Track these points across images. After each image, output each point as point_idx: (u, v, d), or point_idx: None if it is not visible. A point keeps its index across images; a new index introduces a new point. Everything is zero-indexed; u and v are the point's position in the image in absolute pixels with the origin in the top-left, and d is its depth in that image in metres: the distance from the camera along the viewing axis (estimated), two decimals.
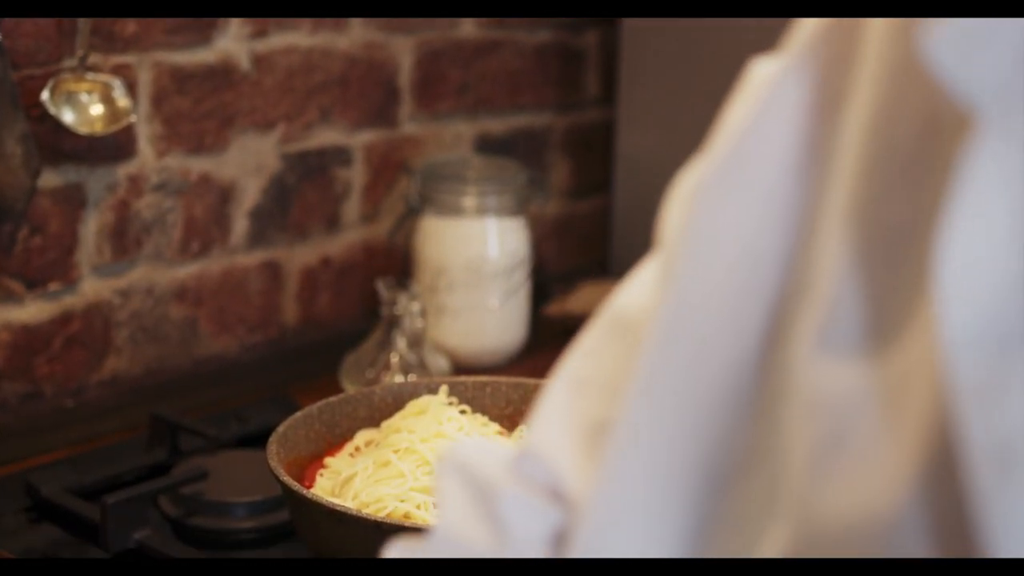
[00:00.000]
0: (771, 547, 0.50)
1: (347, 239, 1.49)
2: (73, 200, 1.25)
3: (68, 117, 1.18)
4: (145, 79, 1.27)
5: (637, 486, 0.54)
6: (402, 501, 0.90)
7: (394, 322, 1.33)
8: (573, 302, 1.54)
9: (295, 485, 0.89)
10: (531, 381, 1.08)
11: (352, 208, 1.49)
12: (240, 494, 1.08)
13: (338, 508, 0.87)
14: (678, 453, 0.53)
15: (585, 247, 1.75)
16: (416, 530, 0.84)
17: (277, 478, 0.90)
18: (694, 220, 0.54)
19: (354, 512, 0.86)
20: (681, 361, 0.53)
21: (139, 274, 1.31)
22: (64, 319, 1.26)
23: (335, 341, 1.45)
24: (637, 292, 0.60)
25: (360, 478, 0.93)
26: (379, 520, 0.85)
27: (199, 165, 1.34)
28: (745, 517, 0.52)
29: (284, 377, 1.39)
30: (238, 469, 1.13)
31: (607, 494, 0.55)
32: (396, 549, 0.59)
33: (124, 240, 1.29)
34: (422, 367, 1.33)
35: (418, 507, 0.90)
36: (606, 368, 0.60)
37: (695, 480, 0.53)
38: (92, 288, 1.28)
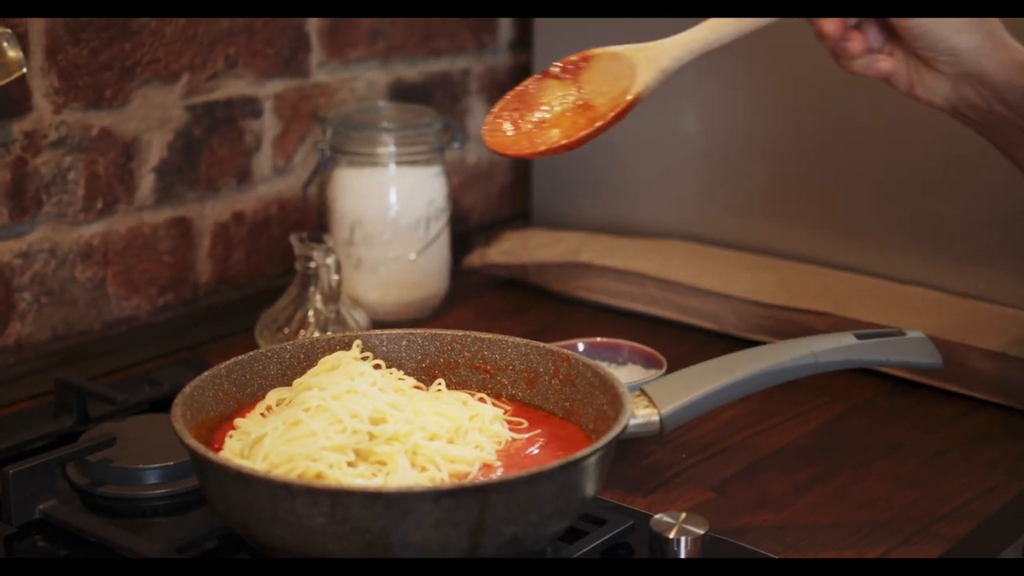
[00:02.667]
0: None
1: (260, 193, 1.44)
2: None
3: None
4: (37, 29, 1.21)
5: None
6: (314, 461, 0.86)
7: (309, 277, 1.28)
8: (495, 252, 1.50)
9: (199, 447, 0.85)
10: (447, 332, 1.04)
11: (264, 161, 1.44)
12: (151, 460, 1.05)
13: (244, 470, 0.83)
14: None
15: (506, 196, 1.71)
16: (326, 491, 0.80)
17: (181, 440, 0.86)
18: None
19: (261, 474, 0.82)
20: None
21: (40, 235, 1.26)
22: None
23: (251, 300, 1.41)
24: None
25: (270, 438, 0.89)
26: (287, 481, 0.81)
27: (100, 120, 1.28)
28: None
29: (198, 338, 1.35)
30: (149, 434, 1.09)
31: None
32: None
33: (22, 200, 1.24)
34: (340, 323, 1.29)
35: (330, 466, 0.86)
36: None
37: None
38: None
